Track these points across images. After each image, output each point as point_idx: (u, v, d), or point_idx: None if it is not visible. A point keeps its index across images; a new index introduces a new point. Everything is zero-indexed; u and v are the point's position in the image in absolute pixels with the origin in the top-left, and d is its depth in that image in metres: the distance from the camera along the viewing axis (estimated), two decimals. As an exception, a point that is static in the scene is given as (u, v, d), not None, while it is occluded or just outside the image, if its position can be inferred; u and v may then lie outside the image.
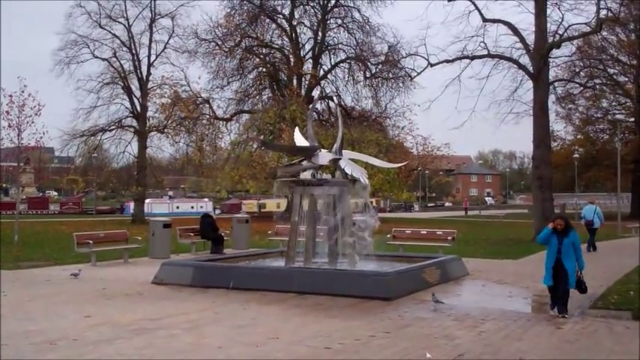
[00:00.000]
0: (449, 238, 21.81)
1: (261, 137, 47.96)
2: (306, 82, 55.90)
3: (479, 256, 21.94)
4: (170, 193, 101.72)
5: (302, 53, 56.94)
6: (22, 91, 27.84)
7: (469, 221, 54.82)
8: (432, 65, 33.93)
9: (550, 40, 32.71)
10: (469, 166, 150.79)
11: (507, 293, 14.02)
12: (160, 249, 21.22)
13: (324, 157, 15.63)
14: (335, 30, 57.42)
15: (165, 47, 52.43)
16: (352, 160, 16.42)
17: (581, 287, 11.38)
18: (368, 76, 55.09)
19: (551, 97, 43.59)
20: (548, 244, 11.44)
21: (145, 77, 51.50)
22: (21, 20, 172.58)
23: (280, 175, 17.69)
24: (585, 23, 33.55)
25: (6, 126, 27.96)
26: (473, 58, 34.03)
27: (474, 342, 9.01)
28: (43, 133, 28.97)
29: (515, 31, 33.08)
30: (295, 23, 56.92)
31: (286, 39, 56.96)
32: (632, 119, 64.17)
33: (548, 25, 32.49)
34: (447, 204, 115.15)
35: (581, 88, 58.01)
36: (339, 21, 57.19)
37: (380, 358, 8.12)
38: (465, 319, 10.75)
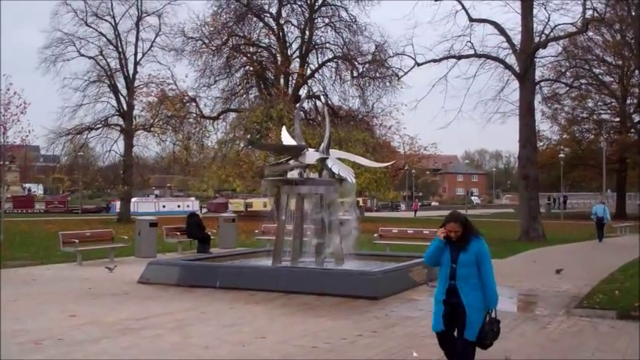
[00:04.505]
0: (435, 237, 21.81)
1: (248, 136, 47.89)
2: (293, 81, 55.87)
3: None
4: (156, 191, 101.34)
5: (289, 52, 56.97)
6: (8, 89, 27.71)
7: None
8: (419, 65, 34.00)
9: (536, 40, 32.86)
10: (455, 166, 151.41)
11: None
12: (146, 248, 21.14)
13: (311, 156, 15.62)
14: (322, 29, 57.46)
15: (151, 45, 52.29)
16: (339, 159, 16.45)
17: (482, 339, 6.57)
18: (355, 75, 55.16)
19: (537, 97, 43.77)
20: (439, 263, 6.71)
21: (131, 75, 51.28)
22: (6, 17, 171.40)
23: (267, 174, 17.68)
24: (571, 23, 33.80)
25: (-9, 124, 27.82)
26: (460, 57, 34.13)
27: (461, 341, 9.03)
28: (29, 131, 28.89)
29: (502, 31, 33.21)
30: (282, 22, 56.89)
31: (273, 38, 56.92)
32: (618, 119, 64.68)
33: (535, 25, 32.66)
34: (433, 203, 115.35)
35: (567, 88, 58.29)
36: (327, 20, 57.23)
37: (367, 357, 8.14)
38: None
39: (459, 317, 6.50)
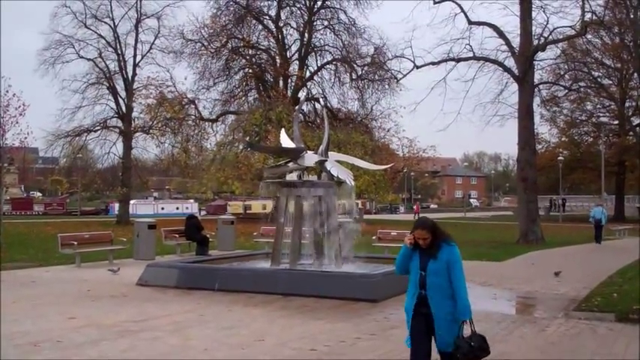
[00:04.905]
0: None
1: (247, 138, 47.90)
2: (292, 84, 55.95)
3: (463, 258, 21.90)
4: (155, 194, 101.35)
5: (288, 55, 57.04)
6: (7, 91, 27.67)
7: (454, 223, 54.94)
8: (417, 67, 34.05)
9: (535, 42, 32.88)
10: (454, 168, 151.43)
11: (492, 295, 14.06)
12: (144, 250, 21.14)
13: (310, 158, 15.63)
14: (321, 31, 57.60)
15: (150, 47, 52.25)
16: (338, 161, 16.45)
17: (454, 351, 5.89)
18: (354, 77, 55.21)
19: (536, 100, 43.86)
20: (409, 271, 6.27)
21: (130, 78, 51.24)
22: (5, 19, 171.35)
23: (266, 176, 17.69)
24: (570, 26, 33.77)
25: (-10, 126, 27.75)
26: (458, 60, 34.16)
27: (459, 344, 9.01)
28: (28, 133, 28.83)
29: (501, 33, 33.25)
30: (281, 24, 56.98)
31: (272, 40, 56.98)
32: (616, 122, 64.73)
33: (534, 28, 32.70)
34: (432, 206, 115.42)
35: (566, 90, 58.36)
36: (326, 22, 57.33)
37: (365, 360, 8.14)
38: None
39: (430, 329, 6.03)
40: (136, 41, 51.93)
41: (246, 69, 56.66)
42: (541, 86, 46.22)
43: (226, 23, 54.05)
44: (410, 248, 6.16)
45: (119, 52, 51.59)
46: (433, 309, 5.95)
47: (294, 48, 58.13)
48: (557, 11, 34.10)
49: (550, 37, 33.86)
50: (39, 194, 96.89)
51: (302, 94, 53.56)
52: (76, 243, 19.50)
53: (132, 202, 58.85)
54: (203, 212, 71.53)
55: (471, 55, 33.99)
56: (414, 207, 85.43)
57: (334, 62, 56.21)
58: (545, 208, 68.43)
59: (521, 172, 32.83)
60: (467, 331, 5.93)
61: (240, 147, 50.12)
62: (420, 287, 6.06)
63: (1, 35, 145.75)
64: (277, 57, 56.14)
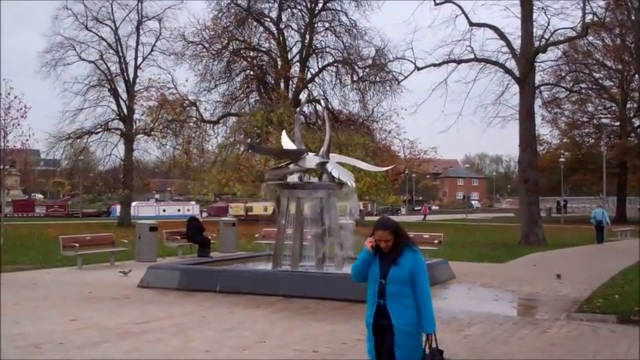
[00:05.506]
0: (435, 241, 21.75)
1: (249, 140, 47.89)
2: (294, 86, 55.92)
3: (465, 260, 21.97)
4: (157, 195, 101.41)
5: (289, 56, 57.04)
6: (8, 93, 27.74)
7: (456, 225, 54.98)
8: (419, 69, 34.00)
9: (536, 44, 32.87)
10: (456, 170, 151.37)
11: (493, 297, 14.05)
12: (146, 252, 21.13)
13: (311, 160, 15.63)
14: (322, 33, 57.57)
15: (152, 50, 52.43)
16: (339, 163, 16.43)
17: None
18: (355, 79, 55.16)
19: (538, 102, 43.74)
20: (368, 278, 5.56)
21: (131, 80, 51.35)
22: (6, 21, 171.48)
23: (267, 178, 17.68)
24: (571, 28, 33.76)
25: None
26: (459, 62, 34.13)
27: (460, 346, 9.02)
28: (29, 135, 28.89)
29: (502, 35, 33.24)
30: (283, 26, 57.00)
31: (273, 42, 57.00)
32: (618, 123, 64.71)
33: (535, 29, 32.67)
34: (433, 207, 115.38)
35: (567, 92, 58.35)
36: (327, 24, 57.32)
37: (367, 361, 8.12)
38: (451, 322, 10.75)
39: (387, 342, 5.35)
40: (137, 43, 52.15)
41: (248, 71, 56.69)
42: (542, 88, 46.20)
43: (227, 25, 54.09)
44: (371, 253, 5.47)
45: (120, 55, 51.74)
46: (393, 320, 5.33)
47: (295, 50, 58.23)
48: (558, 13, 34.15)
49: (551, 38, 33.88)
50: (40, 196, 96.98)
51: (303, 96, 53.54)
52: (77, 245, 19.52)
53: (133, 204, 58.96)
54: (204, 214, 71.55)
55: (472, 56, 33.98)
56: (422, 208, 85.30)
57: (335, 64, 56.20)
58: (546, 210, 68.40)
59: (523, 173, 32.81)
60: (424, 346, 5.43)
61: (242, 149, 50.09)
62: (379, 296, 5.43)
63: (2, 36, 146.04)
64: (278, 59, 56.16)
